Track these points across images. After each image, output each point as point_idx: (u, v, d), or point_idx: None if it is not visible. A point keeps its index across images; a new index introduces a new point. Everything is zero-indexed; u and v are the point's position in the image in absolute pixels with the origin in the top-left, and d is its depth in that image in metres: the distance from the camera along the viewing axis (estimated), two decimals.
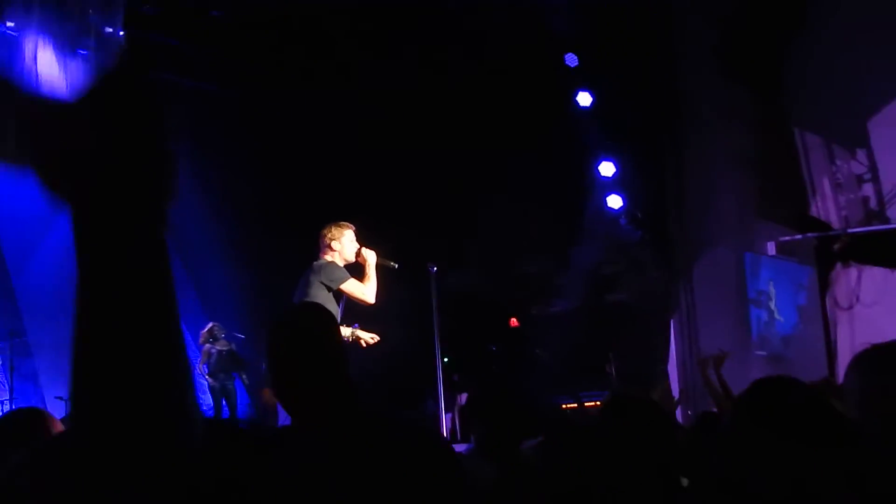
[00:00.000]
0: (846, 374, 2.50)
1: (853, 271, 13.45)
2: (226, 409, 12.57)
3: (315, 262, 7.04)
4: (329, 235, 7.12)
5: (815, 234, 13.50)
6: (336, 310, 6.74)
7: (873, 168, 13.31)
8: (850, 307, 13.41)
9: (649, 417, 2.49)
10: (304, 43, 12.34)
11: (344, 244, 7.12)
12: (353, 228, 7.25)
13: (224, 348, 12.55)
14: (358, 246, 7.19)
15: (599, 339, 12.34)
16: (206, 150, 12.84)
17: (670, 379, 12.39)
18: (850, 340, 13.02)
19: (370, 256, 7.14)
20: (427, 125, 12.48)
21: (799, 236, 13.48)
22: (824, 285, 13.64)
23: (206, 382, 12.74)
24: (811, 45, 12.58)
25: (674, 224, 12.11)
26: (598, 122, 12.17)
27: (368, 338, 7.49)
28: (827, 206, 13.56)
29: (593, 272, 12.76)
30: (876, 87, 12.88)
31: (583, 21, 11.69)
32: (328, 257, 7.07)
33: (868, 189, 13.40)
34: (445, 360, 9.79)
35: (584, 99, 12.23)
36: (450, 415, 12.35)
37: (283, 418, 11.70)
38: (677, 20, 12.11)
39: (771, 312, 13.43)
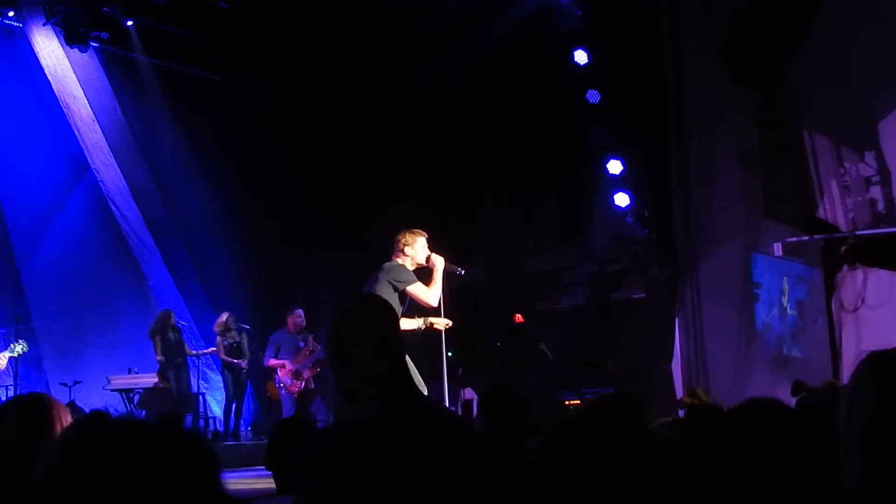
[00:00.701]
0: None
1: (859, 274, 13.35)
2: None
3: (386, 263, 7.53)
4: (403, 241, 7.61)
5: (821, 236, 13.41)
6: (399, 308, 7.27)
7: (882, 170, 13.20)
8: (856, 309, 13.30)
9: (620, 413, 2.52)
10: (313, 35, 12.33)
11: (416, 249, 7.60)
12: (426, 236, 7.73)
13: (236, 340, 12.54)
14: (429, 252, 7.66)
15: (603, 336, 12.35)
16: (214, 141, 12.86)
17: (674, 377, 12.43)
18: (855, 342, 12.95)
19: (439, 262, 7.60)
20: (435, 121, 12.50)
21: (806, 238, 13.38)
22: (830, 287, 13.54)
23: (220, 375, 12.72)
24: (819, 46, 12.49)
25: (679, 222, 12.07)
26: (606, 120, 12.10)
27: (442, 323, 7.91)
28: (834, 208, 13.44)
29: (599, 270, 12.76)
30: (886, 89, 12.80)
31: (592, 18, 11.66)
32: (399, 260, 7.57)
33: (876, 192, 13.29)
34: (449, 354, 9.77)
35: (593, 96, 12.12)
36: (453, 409, 12.40)
37: (287, 411, 11.78)
38: (684, 19, 12.06)
39: (777, 314, 13.43)
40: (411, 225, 9.45)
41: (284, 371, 12.12)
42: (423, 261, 7.60)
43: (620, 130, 12.10)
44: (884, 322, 12.56)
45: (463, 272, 7.98)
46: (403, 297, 7.47)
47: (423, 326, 7.85)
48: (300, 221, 13.09)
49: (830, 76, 12.62)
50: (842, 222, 13.40)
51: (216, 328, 12.50)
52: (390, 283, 7.37)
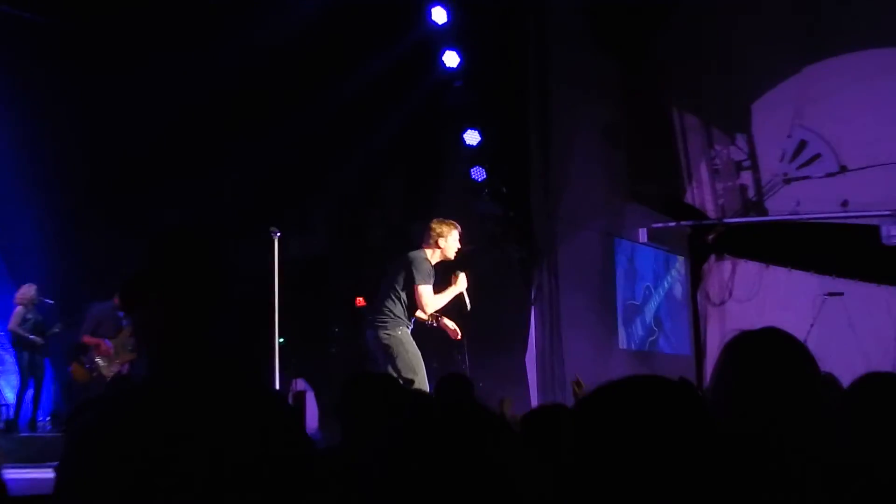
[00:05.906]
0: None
1: (727, 264, 13.37)
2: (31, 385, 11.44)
3: (413, 253, 7.68)
4: (437, 231, 7.73)
5: (689, 223, 13.35)
6: (404, 299, 7.64)
7: (753, 155, 13.20)
8: (722, 303, 13.36)
9: None
10: None
11: (449, 243, 7.71)
12: (459, 229, 7.85)
13: (38, 317, 11.40)
14: (459, 245, 7.81)
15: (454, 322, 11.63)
16: (23, 91, 11.71)
17: (527, 370, 11.87)
18: (720, 337, 12.79)
19: (461, 284, 7.78)
20: (280, 81, 11.68)
21: (672, 223, 13.25)
22: (696, 278, 13.55)
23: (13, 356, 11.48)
24: (689, 22, 12.36)
25: (538, 201, 11.61)
26: (465, 86, 11.72)
27: (452, 327, 8.04)
28: (703, 193, 13.41)
29: None
30: (759, 71, 12.70)
31: None
32: (429, 251, 7.68)
33: (746, 177, 13.28)
34: (281, 340, 9.21)
35: (451, 59, 11.67)
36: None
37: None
38: None
39: (639, 304, 13.13)
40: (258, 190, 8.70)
41: (100, 350, 11.17)
42: (452, 255, 7.74)
43: (480, 98, 11.76)
44: (751, 317, 12.38)
45: (469, 308, 7.99)
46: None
47: (434, 323, 8.01)
48: (116, 192, 11.94)
49: (701, 53, 12.47)
50: (710, 208, 13.38)
51: (20, 300, 11.30)
52: (409, 273, 7.54)
